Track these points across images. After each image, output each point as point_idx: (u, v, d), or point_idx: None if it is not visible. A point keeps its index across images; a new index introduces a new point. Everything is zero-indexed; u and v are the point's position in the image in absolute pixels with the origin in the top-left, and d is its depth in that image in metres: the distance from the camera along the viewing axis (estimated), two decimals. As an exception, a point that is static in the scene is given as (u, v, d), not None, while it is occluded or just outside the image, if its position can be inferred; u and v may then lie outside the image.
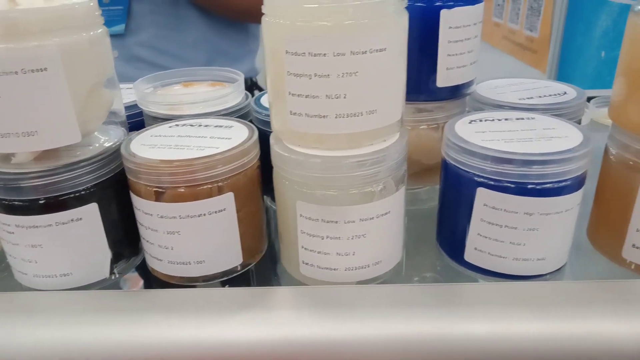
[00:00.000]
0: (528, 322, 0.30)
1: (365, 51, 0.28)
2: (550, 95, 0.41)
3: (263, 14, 0.30)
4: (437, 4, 0.36)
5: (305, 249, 0.33)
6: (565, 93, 0.41)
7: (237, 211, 0.33)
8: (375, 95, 0.30)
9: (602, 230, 0.37)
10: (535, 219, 0.31)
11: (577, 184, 0.31)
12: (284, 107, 0.31)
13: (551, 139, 0.32)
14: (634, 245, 0.34)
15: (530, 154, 0.30)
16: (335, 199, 0.31)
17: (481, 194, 0.32)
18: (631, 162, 0.33)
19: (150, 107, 0.41)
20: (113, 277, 0.36)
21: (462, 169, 0.33)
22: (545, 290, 0.32)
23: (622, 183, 0.34)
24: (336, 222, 0.32)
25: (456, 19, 0.36)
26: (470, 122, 0.35)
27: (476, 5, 0.37)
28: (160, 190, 0.32)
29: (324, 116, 0.30)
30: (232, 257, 0.35)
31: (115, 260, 0.36)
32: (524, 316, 0.30)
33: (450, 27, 0.36)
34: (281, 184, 0.33)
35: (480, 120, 0.36)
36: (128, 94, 0.45)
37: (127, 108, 0.44)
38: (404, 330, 0.30)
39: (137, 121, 0.43)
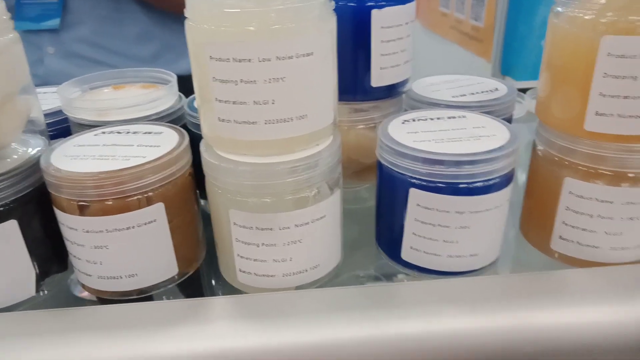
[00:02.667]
0: (461, 317, 0.31)
1: (292, 56, 0.28)
2: (482, 92, 0.42)
3: (186, 17, 0.29)
4: (369, 4, 0.36)
5: (242, 257, 0.33)
6: (496, 89, 0.42)
7: (169, 221, 0.32)
8: (305, 100, 0.29)
9: (533, 223, 0.38)
10: (466, 217, 0.32)
11: (505, 181, 0.32)
12: (212, 114, 0.30)
13: (479, 138, 0.33)
14: (560, 237, 0.35)
15: (458, 154, 0.31)
16: (268, 205, 0.31)
17: (414, 194, 0.32)
18: (556, 158, 0.34)
19: (76, 114, 0.39)
20: (41, 294, 0.34)
21: (395, 170, 0.33)
22: (475, 285, 0.33)
23: (548, 178, 0.35)
24: (271, 229, 0.31)
25: (387, 18, 0.36)
26: (403, 123, 0.35)
27: (407, 4, 0.37)
28: (84, 203, 0.30)
29: (253, 122, 0.29)
30: (166, 268, 0.33)
31: (42, 277, 0.34)
32: (457, 312, 0.31)
33: (382, 27, 0.36)
34: (213, 192, 0.32)
35: (414, 120, 0.36)
36: (54, 98, 0.43)
37: (53, 114, 0.42)
38: (342, 334, 0.30)
39: (65, 127, 0.41)
